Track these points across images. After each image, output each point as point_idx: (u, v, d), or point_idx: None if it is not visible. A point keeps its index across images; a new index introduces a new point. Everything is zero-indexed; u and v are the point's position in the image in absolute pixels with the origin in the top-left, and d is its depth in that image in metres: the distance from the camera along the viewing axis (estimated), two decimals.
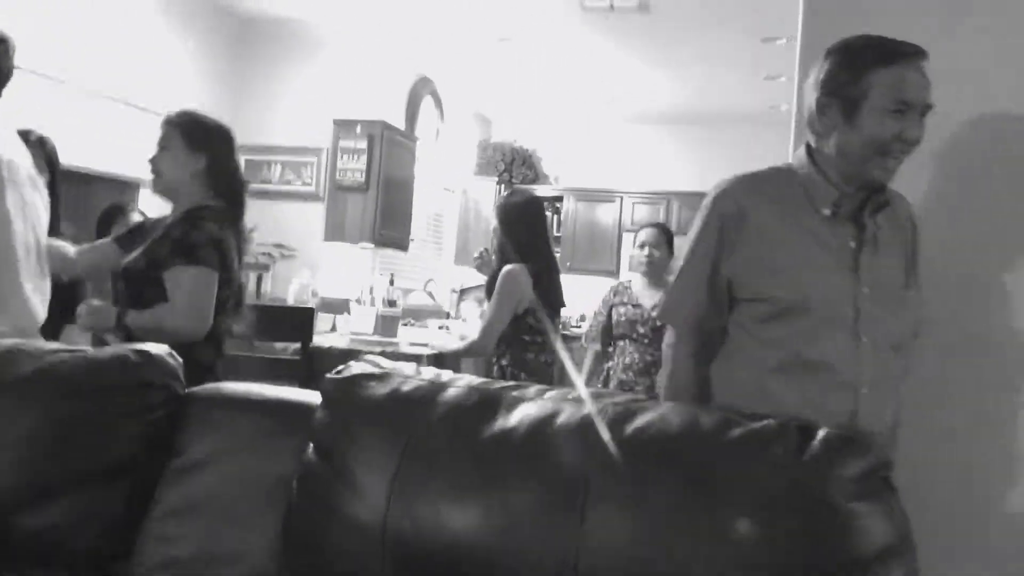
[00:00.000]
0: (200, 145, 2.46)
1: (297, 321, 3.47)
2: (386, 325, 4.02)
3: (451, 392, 1.31)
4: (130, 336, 2.28)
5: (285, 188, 5.97)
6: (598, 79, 7.10)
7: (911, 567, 1.11)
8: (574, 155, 8.63)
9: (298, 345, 3.39)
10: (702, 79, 6.83)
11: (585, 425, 1.22)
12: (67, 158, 3.37)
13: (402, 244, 6.35)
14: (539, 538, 1.14)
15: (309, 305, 3.91)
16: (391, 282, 5.71)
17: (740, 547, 1.09)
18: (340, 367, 1.42)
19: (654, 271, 3.86)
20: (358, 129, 5.84)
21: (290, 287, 4.50)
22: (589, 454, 1.18)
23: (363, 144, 5.81)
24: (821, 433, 1.18)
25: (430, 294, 6.72)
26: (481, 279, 7.55)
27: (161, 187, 2.49)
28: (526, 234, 3.36)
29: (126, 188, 5.28)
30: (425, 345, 3.81)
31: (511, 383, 1.36)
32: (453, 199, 8.05)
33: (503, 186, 8.15)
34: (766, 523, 1.10)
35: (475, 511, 1.18)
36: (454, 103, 7.77)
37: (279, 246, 5.74)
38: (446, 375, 1.37)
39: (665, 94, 7.41)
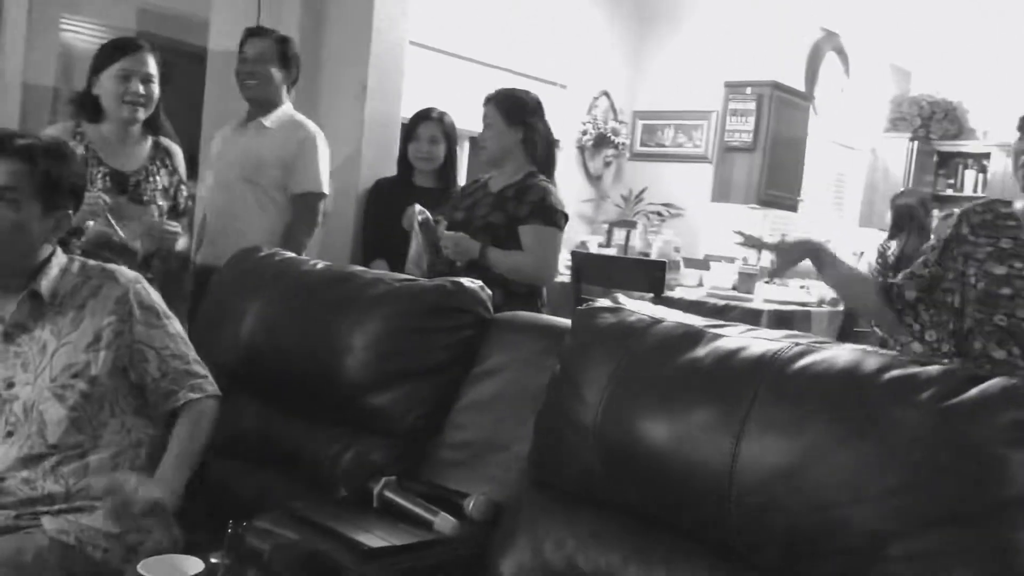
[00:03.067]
0: (516, 119, 2.84)
1: (650, 273, 3.81)
2: (743, 281, 4.18)
3: (663, 326, 1.55)
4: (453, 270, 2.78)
5: (676, 151, 6.30)
6: None
7: None
8: (1007, 105, 7.72)
9: (652, 295, 3.73)
10: None
11: (764, 357, 1.39)
12: None
13: (790, 205, 6.34)
14: (704, 445, 1.36)
15: (667, 259, 4.22)
16: None
17: (885, 481, 1.21)
18: (589, 302, 1.74)
19: None
20: (748, 91, 5.95)
21: (654, 243, 4.85)
22: (758, 381, 1.36)
23: (751, 105, 5.91)
24: (989, 382, 1.22)
25: None
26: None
27: (487, 158, 2.91)
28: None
29: None
30: (778, 302, 3.91)
31: (722, 322, 1.56)
32: (859, 158, 7.72)
33: (917, 143, 7.62)
34: (911, 461, 1.20)
35: (659, 420, 1.42)
36: (864, 57, 7.43)
37: (667, 205, 6.11)
38: (664, 312, 1.61)
39: None
